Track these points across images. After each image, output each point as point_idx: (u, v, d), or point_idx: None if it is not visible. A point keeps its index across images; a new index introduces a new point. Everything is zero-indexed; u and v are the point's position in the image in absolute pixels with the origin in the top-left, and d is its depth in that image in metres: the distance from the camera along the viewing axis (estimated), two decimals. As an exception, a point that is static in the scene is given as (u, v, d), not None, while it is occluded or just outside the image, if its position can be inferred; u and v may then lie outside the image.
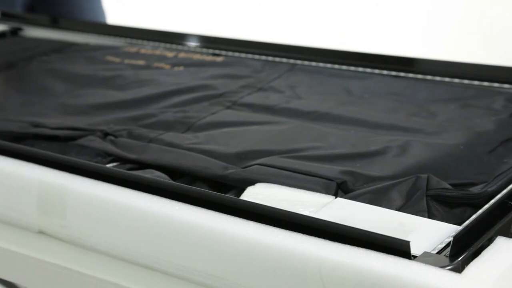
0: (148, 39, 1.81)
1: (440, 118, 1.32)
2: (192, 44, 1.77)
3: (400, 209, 1.01)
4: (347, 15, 3.34)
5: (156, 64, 1.66)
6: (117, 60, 1.70)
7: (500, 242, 0.88)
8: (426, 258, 0.85)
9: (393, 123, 1.29)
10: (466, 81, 1.46)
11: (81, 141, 1.27)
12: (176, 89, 1.49)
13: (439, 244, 0.90)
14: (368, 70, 1.55)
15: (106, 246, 1.04)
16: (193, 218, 0.96)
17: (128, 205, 1.01)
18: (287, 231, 0.90)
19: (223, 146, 1.22)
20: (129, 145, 1.24)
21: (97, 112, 1.40)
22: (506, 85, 1.42)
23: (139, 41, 1.82)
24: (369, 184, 1.07)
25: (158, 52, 1.74)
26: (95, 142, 1.26)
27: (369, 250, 0.85)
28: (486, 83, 1.44)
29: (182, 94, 1.46)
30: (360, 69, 1.56)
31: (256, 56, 1.67)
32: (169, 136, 1.27)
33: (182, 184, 1.07)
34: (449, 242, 0.88)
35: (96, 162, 1.20)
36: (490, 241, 0.88)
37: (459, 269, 0.82)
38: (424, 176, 1.06)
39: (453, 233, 0.91)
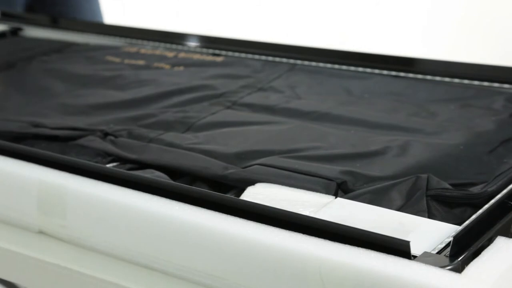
0: (148, 39, 1.82)
1: (440, 118, 1.32)
2: (192, 44, 1.77)
3: (400, 209, 1.01)
4: (347, 15, 3.34)
5: (156, 64, 1.66)
6: (117, 60, 1.70)
7: (500, 242, 0.88)
8: (426, 258, 0.85)
9: (393, 123, 1.29)
10: (466, 81, 1.46)
11: (81, 141, 1.27)
12: (176, 89, 1.49)
13: (439, 244, 0.90)
14: (368, 70, 1.55)
15: (106, 246, 1.04)
16: (193, 218, 0.96)
17: (128, 205, 1.01)
18: (287, 231, 0.90)
19: (223, 146, 1.22)
20: (129, 145, 1.24)
21: (97, 112, 1.40)
22: (506, 85, 1.42)
23: (139, 41, 1.82)
24: (369, 184, 1.07)
25: (158, 52, 1.74)
26: (95, 142, 1.26)
27: (369, 250, 0.85)
28: (486, 83, 1.44)
29: (182, 94, 1.46)
30: (360, 69, 1.56)
31: (256, 56, 1.67)
32: (169, 136, 1.27)
33: (182, 184, 1.07)
34: (449, 242, 0.88)
35: (96, 162, 1.20)
36: (490, 241, 0.88)
37: (459, 269, 0.82)
38: (424, 176, 1.06)
39: (453, 233, 0.91)
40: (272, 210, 0.94)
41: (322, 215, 0.97)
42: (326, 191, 1.05)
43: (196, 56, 1.69)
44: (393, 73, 1.53)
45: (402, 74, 1.52)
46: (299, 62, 1.62)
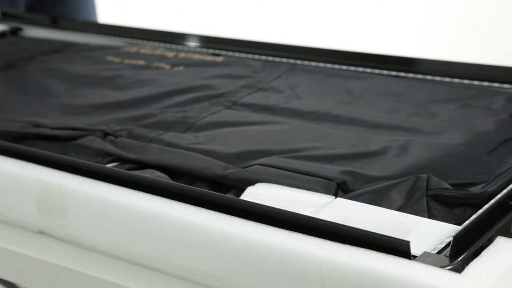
0: (148, 39, 1.82)
1: (440, 118, 1.32)
2: (192, 44, 1.77)
3: (400, 209, 1.01)
4: (347, 15, 3.34)
5: (156, 64, 1.66)
6: (117, 60, 1.70)
7: (500, 242, 0.88)
8: (426, 258, 0.85)
9: (393, 123, 1.29)
10: (466, 81, 1.46)
11: (81, 141, 1.27)
12: (176, 89, 1.49)
13: (439, 244, 0.90)
14: (368, 70, 1.55)
15: (106, 246, 1.04)
16: (193, 218, 0.96)
17: (128, 205, 1.01)
18: (287, 231, 0.90)
19: (223, 146, 1.22)
20: (129, 145, 1.24)
21: (97, 112, 1.40)
22: (506, 85, 1.42)
23: (139, 41, 1.82)
24: (369, 184, 1.07)
25: (158, 52, 1.74)
26: (95, 142, 1.26)
27: (369, 250, 0.85)
28: (486, 83, 1.44)
29: (182, 94, 1.46)
30: (360, 69, 1.56)
31: (256, 56, 1.67)
32: (169, 136, 1.27)
33: (182, 184, 1.07)
34: (449, 242, 0.88)
35: (96, 162, 1.20)
36: (490, 241, 0.88)
37: (459, 269, 0.82)
38: (424, 176, 1.06)
39: (453, 233, 0.91)
40: (272, 210, 0.94)
41: (322, 215, 0.97)
42: (326, 191, 1.05)
43: (196, 56, 1.70)
44: (393, 73, 1.53)
45: (402, 74, 1.52)
46: (299, 62, 1.62)
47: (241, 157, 1.17)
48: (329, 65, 1.59)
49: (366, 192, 1.05)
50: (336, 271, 0.85)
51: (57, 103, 1.46)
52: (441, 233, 0.93)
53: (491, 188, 1.03)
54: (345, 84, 1.50)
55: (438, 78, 1.48)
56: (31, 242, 1.12)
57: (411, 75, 1.51)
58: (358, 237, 0.87)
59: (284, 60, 1.64)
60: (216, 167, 1.14)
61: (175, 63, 1.66)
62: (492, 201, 0.99)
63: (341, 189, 1.07)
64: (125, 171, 1.13)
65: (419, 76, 1.50)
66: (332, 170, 1.10)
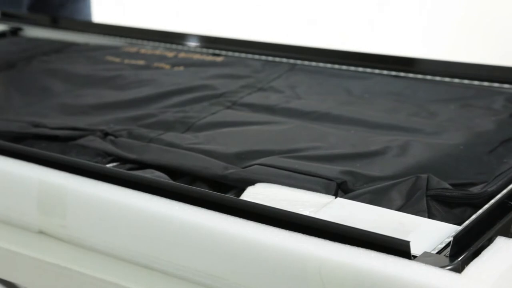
0: (148, 39, 1.82)
1: (440, 118, 1.32)
2: (192, 44, 1.77)
3: (400, 209, 1.01)
4: (347, 15, 3.34)
5: (156, 64, 1.66)
6: (117, 60, 1.70)
7: (500, 242, 0.88)
8: (426, 258, 0.85)
9: (393, 123, 1.29)
10: (466, 81, 1.46)
11: (81, 141, 1.27)
12: (176, 89, 1.49)
13: (439, 244, 0.90)
14: (368, 70, 1.55)
15: (106, 246, 1.04)
16: (193, 218, 0.96)
17: (128, 205, 1.01)
18: (287, 231, 0.90)
19: (223, 146, 1.22)
20: (129, 145, 1.24)
21: (97, 112, 1.40)
22: (506, 85, 1.42)
23: (139, 41, 1.82)
24: (369, 184, 1.07)
25: (158, 52, 1.74)
26: (95, 142, 1.26)
27: (369, 250, 0.85)
28: (486, 83, 1.44)
29: (182, 94, 1.46)
30: (360, 69, 1.56)
31: (256, 56, 1.67)
32: (169, 136, 1.27)
33: (182, 184, 1.07)
34: (449, 242, 0.88)
35: (96, 162, 1.20)
36: (490, 241, 0.88)
37: (459, 269, 0.82)
38: (424, 176, 1.06)
39: (453, 233, 0.91)
40: (272, 210, 0.94)
41: (322, 215, 0.97)
42: (326, 191, 1.05)
43: (196, 56, 1.70)
44: (393, 73, 1.53)
45: (402, 74, 1.52)
46: (299, 62, 1.62)
47: (241, 157, 1.17)
48: (329, 65, 1.59)
49: (366, 192, 1.05)
50: (336, 271, 0.85)
51: (57, 103, 1.46)
52: (441, 233, 0.93)
53: (491, 188, 1.03)
54: (345, 84, 1.50)
55: (438, 78, 1.48)
56: (31, 242, 1.12)
57: (411, 75, 1.51)
58: (358, 237, 0.87)
59: (284, 60, 1.64)
60: (216, 167, 1.14)
61: (175, 63, 1.66)
62: (492, 201, 0.99)
63: (341, 189, 1.07)
64: (125, 171, 1.13)
65: (419, 76, 1.50)
66: (332, 170, 1.10)
